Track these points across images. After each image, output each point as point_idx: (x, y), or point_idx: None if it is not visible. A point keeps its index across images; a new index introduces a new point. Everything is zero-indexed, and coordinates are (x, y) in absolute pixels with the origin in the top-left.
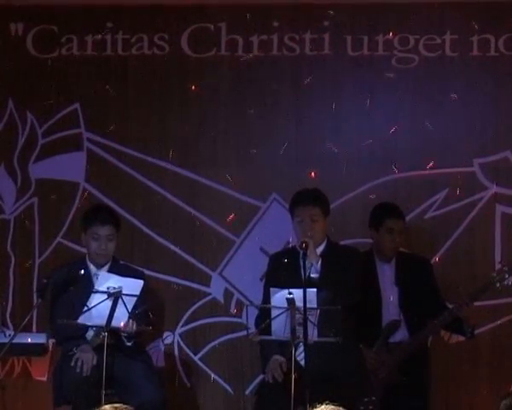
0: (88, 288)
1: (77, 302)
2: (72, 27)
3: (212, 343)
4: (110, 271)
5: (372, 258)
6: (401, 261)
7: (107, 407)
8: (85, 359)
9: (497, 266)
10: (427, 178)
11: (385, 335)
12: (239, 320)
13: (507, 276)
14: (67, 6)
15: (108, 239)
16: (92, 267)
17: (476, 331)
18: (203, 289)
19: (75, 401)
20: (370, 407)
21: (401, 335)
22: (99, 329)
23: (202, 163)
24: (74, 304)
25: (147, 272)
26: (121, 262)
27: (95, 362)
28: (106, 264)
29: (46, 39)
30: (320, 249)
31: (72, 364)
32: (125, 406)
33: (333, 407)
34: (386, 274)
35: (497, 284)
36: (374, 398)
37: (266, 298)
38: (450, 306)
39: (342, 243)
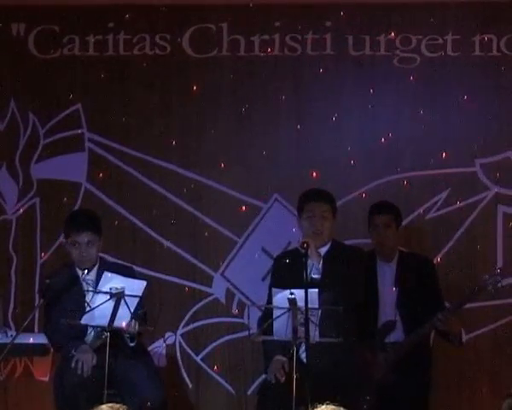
0: (78, 292)
1: (68, 307)
2: (73, 27)
3: (214, 344)
4: (99, 272)
5: (374, 258)
6: (402, 262)
7: (103, 406)
8: (85, 359)
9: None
10: (428, 179)
11: (381, 335)
12: (241, 321)
13: (499, 279)
14: (69, 6)
15: (88, 246)
16: (79, 272)
17: (477, 332)
18: (205, 289)
19: (77, 403)
20: (364, 407)
21: (396, 335)
22: (100, 330)
23: (204, 163)
24: (65, 309)
25: (148, 272)
26: (110, 261)
27: (94, 362)
28: (93, 267)
29: (48, 39)
30: (324, 249)
31: (73, 365)
32: (119, 405)
33: (334, 407)
34: (386, 275)
35: (490, 287)
36: (368, 398)
37: (270, 299)
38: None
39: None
